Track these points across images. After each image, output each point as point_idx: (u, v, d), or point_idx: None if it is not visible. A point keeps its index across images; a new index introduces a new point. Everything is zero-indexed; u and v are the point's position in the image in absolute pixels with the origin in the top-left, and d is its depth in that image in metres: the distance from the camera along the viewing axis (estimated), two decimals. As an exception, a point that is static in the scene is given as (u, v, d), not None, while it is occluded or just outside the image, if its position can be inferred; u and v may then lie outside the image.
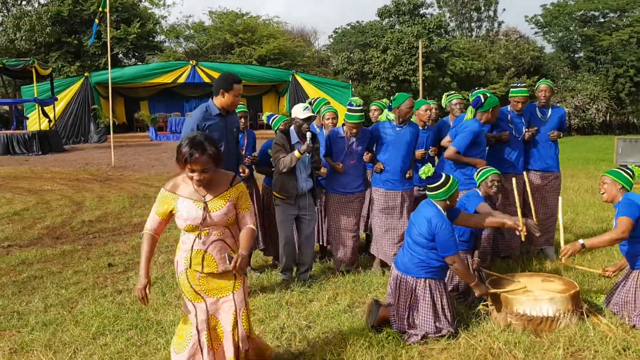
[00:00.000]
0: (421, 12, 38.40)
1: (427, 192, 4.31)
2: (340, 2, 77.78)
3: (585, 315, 4.20)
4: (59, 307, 4.91)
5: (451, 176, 4.30)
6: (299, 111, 5.21)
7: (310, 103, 6.15)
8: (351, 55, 36.00)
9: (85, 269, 6.12)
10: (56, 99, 22.78)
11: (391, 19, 39.37)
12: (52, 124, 22.46)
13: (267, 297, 5.01)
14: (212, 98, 4.76)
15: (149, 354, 3.92)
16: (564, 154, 9.12)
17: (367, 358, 3.75)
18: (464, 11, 46.26)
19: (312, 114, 5.21)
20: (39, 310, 4.83)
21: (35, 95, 21.24)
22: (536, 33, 42.30)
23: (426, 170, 4.33)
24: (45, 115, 21.80)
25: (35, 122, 22.43)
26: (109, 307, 4.86)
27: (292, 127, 5.32)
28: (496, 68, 36.83)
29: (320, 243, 6.12)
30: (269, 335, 4.19)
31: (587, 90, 35.31)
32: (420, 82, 22.63)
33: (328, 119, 6.00)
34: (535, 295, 4.25)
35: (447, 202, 4.23)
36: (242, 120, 5.60)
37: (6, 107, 24.62)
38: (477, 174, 5.01)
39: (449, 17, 45.51)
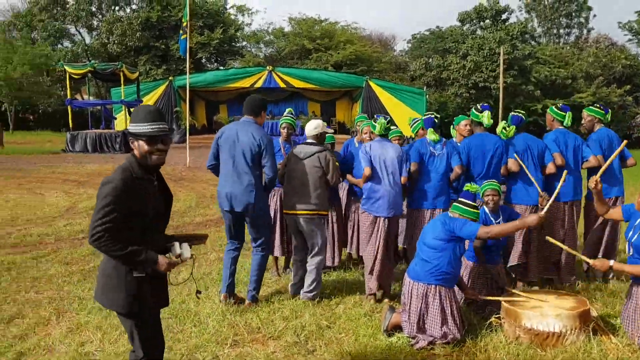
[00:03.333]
0: (504, 17, 37.56)
1: (455, 203, 4.59)
2: (420, 7, 77.18)
3: (592, 333, 4.31)
4: (115, 294, 5.54)
5: (478, 211, 4.55)
6: (309, 129, 5.41)
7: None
8: (429, 61, 35.86)
9: (144, 262, 6.77)
10: (141, 101, 24.34)
11: (472, 24, 38.83)
12: (137, 124, 24.01)
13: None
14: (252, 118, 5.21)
15: (182, 340, 4.43)
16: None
17: (371, 358, 4.07)
18: (553, 17, 44.81)
19: (322, 132, 5.43)
20: (98, 296, 5.48)
21: (122, 98, 22.81)
22: (630, 40, 40.42)
23: (470, 188, 4.64)
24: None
25: (122, 122, 24.06)
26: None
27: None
28: (584, 76, 35.43)
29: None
30: (291, 331, 4.59)
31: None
32: (501, 90, 22.27)
33: (366, 132, 6.22)
34: (543, 310, 4.41)
35: (457, 215, 4.50)
36: (284, 131, 6.05)
37: (98, 107, 26.52)
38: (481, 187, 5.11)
39: (537, 23, 44.26)
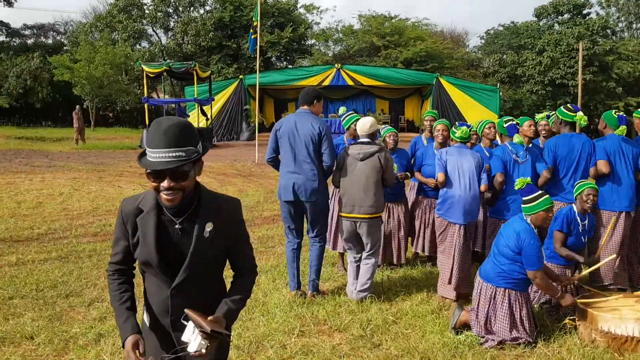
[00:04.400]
0: (584, 12, 35.93)
1: (522, 205, 4.43)
2: (494, 2, 75.14)
3: (677, 340, 4.07)
4: (187, 283, 5.74)
5: (547, 195, 4.36)
6: (364, 127, 5.28)
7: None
8: (503, 57, 34.87)
9: (215, 253, 6.97)
10: (213, 99, 25.00)
11: (549, 19, 37.42)
12: (209, 122, 24.71)
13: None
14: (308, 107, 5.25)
15: (251, 328, 4.54)
16: None
17: (439, 355, 4.02)
18: (636, 10, 42.49)
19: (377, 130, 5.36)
20: (171, 284, 5.68)
21: (195, 96, 23.51)
22: None
23: (520, 182, 4.49)
24: (204, 114, 24.06)
25: (195, 120, 24.81)
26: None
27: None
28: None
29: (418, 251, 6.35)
30: (356, 325, 4.60)
31: None
32: (579, 87, 21.39)
33: (439, 130, 6.03)
34: (622, 314, 4.21)
35: (532, 218, 4.30)
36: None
37: (172, 105, 27.45)
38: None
39: (618, 17, 42.12)
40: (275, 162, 5.35)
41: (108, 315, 4.85)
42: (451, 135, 5.52)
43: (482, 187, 5.27)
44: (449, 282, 5.24)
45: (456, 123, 5.55)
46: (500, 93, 27.80)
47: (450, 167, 5.26)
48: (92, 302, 5.17)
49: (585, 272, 4.84)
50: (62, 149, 21.56)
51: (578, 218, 4.85)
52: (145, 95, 24.41)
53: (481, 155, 5.44)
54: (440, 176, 5.29)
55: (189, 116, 25.55)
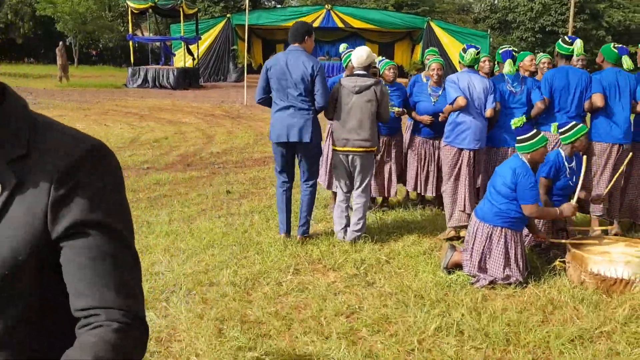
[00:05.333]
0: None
1: (516, 144, 4.47)
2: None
3: (663, 283, 4.19)
4: (180, 221, 5.75)
5: (542, 133, 4.40)
6: (360, 59, 5.18)
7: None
8: (495, 2, 34.33)
9: (207, 193, 6.97)
10: (200, 38, 24.41)
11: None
12: (195, 62, 24.22)
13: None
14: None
15: (246, 265, 4.58)
16: None
17: (432, 293, 4.10)
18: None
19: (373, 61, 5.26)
20: (164, 222, 5.69)
21: (182, 34, 22.94)
22: None
23: (517, 122, 4.50)
24: (190, 53, 23.56)
25: (181, 59, 24.30)
26: (220, 225, 5.60)
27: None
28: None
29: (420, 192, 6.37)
30: (350, 264, 4.66)
31: None
32: (570, 34, 21.16)
33: (434, 69, 6.01)
34: (612, 257, 4.30)
35: (532, 156, 4.35)
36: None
37: (157, 44, 26.80)
38: (565, 132, 4.88)
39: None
40: (266, 103, 5.17)
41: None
42: (460, 60, 5.48)
43: (488, 113, 5.29)
44: (463, 209, 5.32)
45: (464, 46, 5.48)
46: (491, 39, 27.49)
47: (463, 93, 5.25)
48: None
49: (567, 241, 4.81)
50: (46, 87, 21.09)
51: (566, 162, 4.88)
52: (130, 32, 23.74)
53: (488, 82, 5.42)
54: (461, 100, 5.21)
55: (174, 55, 25.01)
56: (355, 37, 29.14)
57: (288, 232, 5.25)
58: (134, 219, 5.72)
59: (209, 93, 21.05)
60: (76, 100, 16.65)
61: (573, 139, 4.83)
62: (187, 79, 22.51)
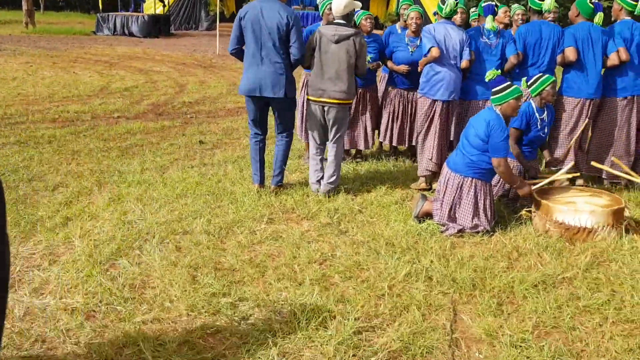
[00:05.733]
0: None
1: (490, 97, 4.51)
2: None
3: (624, 231, 4.35)
4: (152, 171, 5.71)
5: (515, 85, 4.44)
6: (339, 7, 4.96)
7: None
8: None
9: (179, 143, 6.90)
10: (171, -16, 23.66)
11: None
12: (166, 9, 23.51)
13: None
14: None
15: (220, 215, 4.60)
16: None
17: (402, 241, 4.20)
18: None
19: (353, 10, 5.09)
20: (136, 171, 5.64)
21: (152, -21, 22.18)
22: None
23: (491, 74, 4.53)
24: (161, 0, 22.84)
25: (151, 6, 23.56)
26: (193, 175, 5.58)
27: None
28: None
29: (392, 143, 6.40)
30: (324, 213, 4.72)
31: None
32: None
33: (413, 18, 5.88)
34: (577, 206, 4.44)
35: (505, 108, 4.40)
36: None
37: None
38: (533, 83, 4.95)
39: None
40: (239, 54, 5.04)
41: (73, 199, 4.82)
42: (437, 11, 5.44)
43: (463, 64, 5.32)
44: (431, 158, 5.41)
45: None
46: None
47: (438, 43, 5.23)
48: (56, 187, 5.10)
49: (543, 182, 4.90)
50: (12, 33, 20.32)
51: (537, 113, 4.95)
52: (97, -24, 22.85)
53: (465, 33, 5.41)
54: (434, 51, 5.20)
55: (144, 1, 24.23)
56: (330, -13, 28.52)
57: (262, 182, 5.26)
58: (105, 168, 5.69)
59: (180, 41, 20.53)
60: (43, 48, 16.11)
61: (540, 90, 4.88)
62: (158, 27, 21.87)
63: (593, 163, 4.79)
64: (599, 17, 5.43)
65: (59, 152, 6.17)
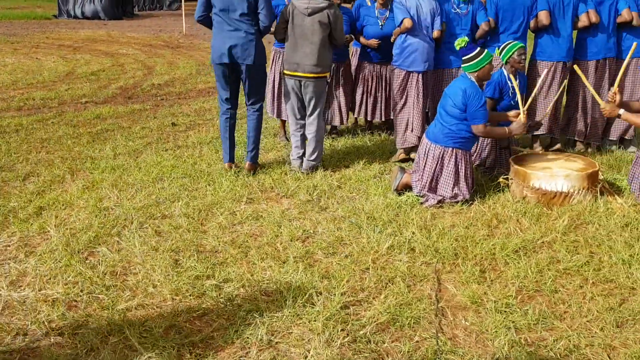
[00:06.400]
0: None
1: (462, 65, 4.50)
2: None
3: (599, 193, 4.43)
4: (126, 155, 5.59)
5: (486, 50, 4.44)
6: None
7: None
8: None
9: (151, 126, 6.77)
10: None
11: None
12: (128, -11, 22.92)
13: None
14: None
15: (198, 197, 4.54)
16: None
17: (384, 214, 4.20)
18: None
19: None
20: (109, 157, 5.53)
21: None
22: None
23: (460, 42, 4.50)
24: (122, -21, 22.25)
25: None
26: (168, 158, 5.49)
27: None
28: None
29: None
30: (303, 191, 4.69)
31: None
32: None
33: None
34: (552, 171, 4.49)
35: (479, 74, 4.41)
36: None
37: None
38: (502, 51, 4.96)
39: None
40: (206, 21, 4.94)
41: (46, 188, 4.70)
42: None
43: (435, 34, 5.29)
44: (412, 130, 5.41)
45: None
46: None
47: (411, 14, 5.19)
48: (26, 177, 4.96)
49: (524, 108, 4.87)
50: (-34, 19, 19.61)
51: (509, 81, 4.96)
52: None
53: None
54: (407, 21, 5.17)
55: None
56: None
57: (232, 160, 5.18)
58: (76, 155, 5.55)
59: (145, 22, 20.08)
60: (3, 34, 15.59)
61: (508, 56, 4.89)
62: (120, 7, 21.32)
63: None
64: None
65: (27, 140, 6.00)
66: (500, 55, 4.93)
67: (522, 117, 4.59)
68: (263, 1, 4.72)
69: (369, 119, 6.31)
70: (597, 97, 4.70)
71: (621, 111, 4.34)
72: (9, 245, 3.72)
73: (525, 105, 4.72)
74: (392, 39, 5.48)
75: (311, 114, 5.14)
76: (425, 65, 5.32)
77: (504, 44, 4.94)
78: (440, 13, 5.31)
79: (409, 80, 5.37)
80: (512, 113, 4.74)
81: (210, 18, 4.92)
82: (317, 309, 2.98)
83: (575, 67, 4.91)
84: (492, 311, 2.99)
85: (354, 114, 6.47)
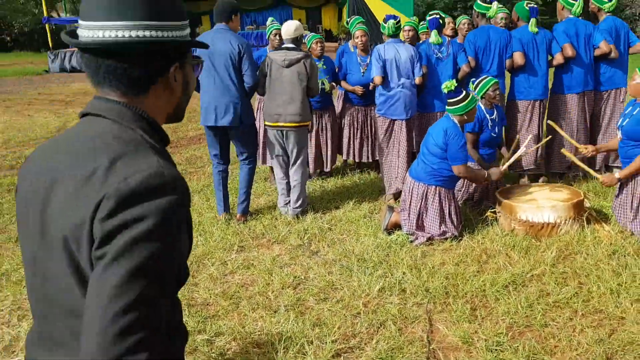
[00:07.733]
0: None
1: (447, 107, 4.58)
2: None
3: (586, 222, 4.48)
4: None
5: (471, 94, 4.55)
6: (288, 31, 5.05)
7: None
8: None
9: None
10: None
11: None
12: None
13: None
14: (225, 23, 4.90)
15: (189, 249, 4.56)
16: None
17: (374, 255, 4.24)
18: None
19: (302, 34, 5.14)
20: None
21: None
22: None
23: (448, 85, 4.61)
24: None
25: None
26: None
27: None
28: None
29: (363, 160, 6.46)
30: (294, 235, 4.73)
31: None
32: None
33: (358, 37, 6.00)
34: (538, 203, 4.55)
35: (465, 117, 4.51)
36: (275, 38, 5.88)
37: (76, 24, 25.58)
38: (476, 86, 5.07)
39: None
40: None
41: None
42: (382, 31, 5.50)
43: (417, 80, 5.38)
44: (397, 177, 5.46)
45: (384, 17, 5.48)
46: (414, -2, 27.65)
47: (389, 64, 5.30)
48: (17, 240, 4.98)
49: (507, 162, 5.00)
50: (-41, 79, 19.86)
51: (487, 115, 5.06)
52: (45, 14, 22.55)
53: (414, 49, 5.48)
54: (377, 79, 5.30)
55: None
56: (281, 4, 28.74)
57: (227, 210, 5.24)
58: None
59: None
60: (-6, 92, 15.80)
61: (484, 91, 5.00)
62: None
63: (562, 151, 4.94)
64: (532, 25, 5.58)
65: (20, 200, 6.04)
66: (475, 90, 5.04)
67: (503, 168, 4.76)
68: (247, 61, 4.81)
69: (356, 160, 6.40)
70: (575, 144, 4.88)
71: (617, 174, 4.39)
72: (2, 310, 3.73)
73: (509, 161, 4.89)
74: (370, 87, 5.62)
75: (294, 163, 5.20)
76: (408, 113, 5.38)
77: (479, 80, 5.06)
78: (419, 59, 5.41)
79: (394, 127, 5.46)
80: (493, 170, 4.78)
81: (198, 81, 5.00)
82: (308, 359, 2.98)
83: (551, 122, 5.10)
84: (483, 350, 3.01)
85: (342, 156, 6.57)
